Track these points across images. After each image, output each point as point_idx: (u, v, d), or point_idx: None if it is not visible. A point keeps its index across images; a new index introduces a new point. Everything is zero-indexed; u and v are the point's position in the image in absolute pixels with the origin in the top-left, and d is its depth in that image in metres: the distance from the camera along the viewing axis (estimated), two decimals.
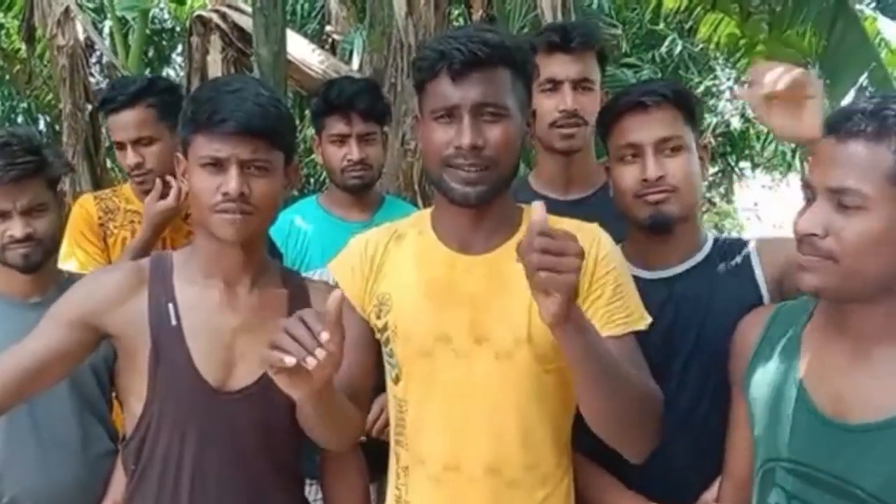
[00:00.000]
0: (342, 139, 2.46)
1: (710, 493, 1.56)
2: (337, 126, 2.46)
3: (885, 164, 1.17)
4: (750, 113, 8.75)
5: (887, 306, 1.23)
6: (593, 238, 1.49)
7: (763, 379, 1.38)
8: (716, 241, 1.79)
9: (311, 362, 1.24)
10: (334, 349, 1.27)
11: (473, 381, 1.45)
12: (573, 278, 1.18)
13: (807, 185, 1.25)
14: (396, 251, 1.56)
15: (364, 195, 2.53)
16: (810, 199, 1.25)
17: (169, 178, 2.43)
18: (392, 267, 1.55)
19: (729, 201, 12.28)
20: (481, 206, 1.47)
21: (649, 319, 1.51)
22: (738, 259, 1.72)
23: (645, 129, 1.67)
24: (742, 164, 10.31)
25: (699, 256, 1.75)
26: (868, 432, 1.17)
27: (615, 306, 1.46)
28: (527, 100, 1.52)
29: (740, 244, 1.75)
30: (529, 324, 1.42)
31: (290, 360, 1.24)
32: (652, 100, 1.67)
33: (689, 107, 1.72)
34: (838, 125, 1.22)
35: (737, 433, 1.49)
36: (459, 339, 1.45)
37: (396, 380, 1.53)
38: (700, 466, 1.59)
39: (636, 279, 1.70)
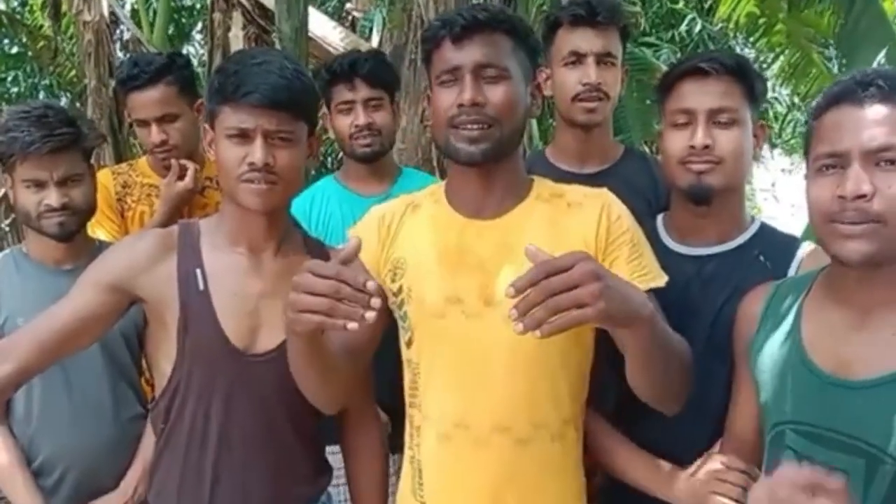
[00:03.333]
0: (349, 106, 2.45)
1: (715, 449, 1.57)
2: (342, 94, 2.45)
3: None
4: (769, 93, 8.69)
5: (888, 273, 1.26)
6: (603, 202, 1.53)
7: (768, 349, 1.40)
8: (763, 228, 1.76)
9: (369, 316, 1.22)
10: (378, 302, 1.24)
11: (483, 341, 1.48)
12: (601, 304, 1.14)
13: (831, 155, 1.26)
14: (412, 220, 1.60)
15: (378, 166, 2.52)
16: (826, 168, 1.27)
17: (184, 161, 2.48)
18: (407, 234, 1.59)
19: (748, 182, 12.22)
20: (489, 167, 1.50)
21: (666, 277, 1.53)
22: (782, 256, 1.68)
23: (700, 96, 1.65)
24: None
25: (739, 240, 1.72)
26: (870, 388, 1.21)
27: (634, 265, 1.49)
28: (531, 71, 1.55)
29: (792, 243, 1.70)
30: None
31: (352, 326, 1.22)
32: (712, 67, 1.65)
33: (750, 81, 1.68)
34: (853, 93, 1.25)
35: (739, 398, 1.51)
36: (470, 301, 1.49)
37: (409, 343, 1.57)
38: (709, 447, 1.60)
39: (669, 252, 1.72)
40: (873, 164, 1.22)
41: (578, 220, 1.52)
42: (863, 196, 1.21)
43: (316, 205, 2.53)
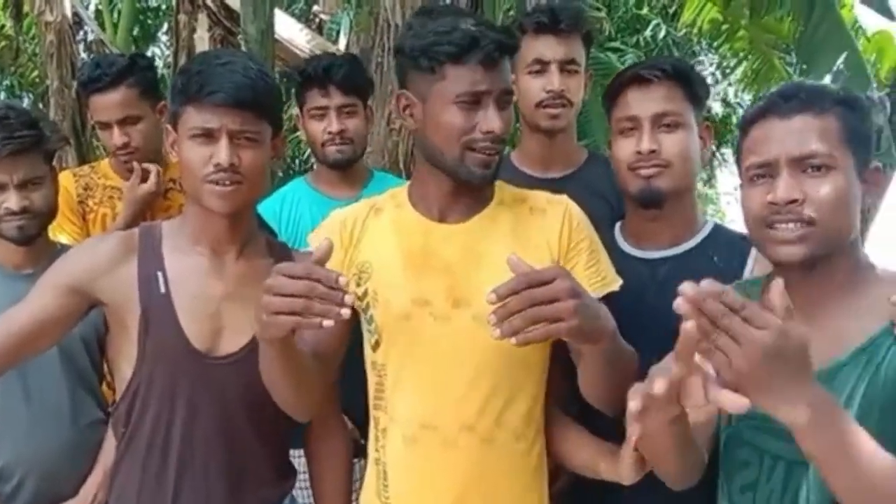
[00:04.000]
0: (322, 112, 2.45)
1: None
2: (316, 99, 2.45)
3: (836, 128, 1.30)
4: (732, 98, 8.82)
5: (835, 269, 1.33)
6: (564, 208, 1.58)
7: None
8: (716, 228, 1.80)
9: (345, 312, 1.24)
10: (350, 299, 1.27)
11: (451, 342, 1.50)
12: (576, 320, 1.20)
13: (761, 166, 1.33)
14: (375, 223, 1.61)
15: (350, 170, 2.51)
16: (756, 178, 1.34)
17: (146, 164, 2.46)
18: (371, 238, 1.60)
19: (712, 186, 12.34)
20: None
21: (620, 281, 1.57)
22: (736, 256, 1.72)
23: (644, 102, 1.71)
24: (724, 149, 10.39)
25: (692, 242, 1.77)
26: (818, 378, 1.25)
27: (591, 271, 1.54)
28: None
29: (745, 243, 1.70)
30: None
31: (327, 323, 1.24)
32: (652, 74, 1.70)
33: (691, 85, 1.74)
34: (778, 105, 1.33)
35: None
36: (438, 303, 1.51)
37: (376, 345, 1.57)
38: None
39: (626, 256, 1.76)
40: (800, 171, 1.30)
41: (541, 226, 1.57)
42: (794, 201, 1.28)
43: (286, 207, 2.52)
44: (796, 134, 1.30)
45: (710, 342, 1.05)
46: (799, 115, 1.31)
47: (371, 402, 1.63)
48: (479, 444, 1.51)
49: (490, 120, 1.47)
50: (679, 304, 1.05)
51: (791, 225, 1.29)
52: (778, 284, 1.06)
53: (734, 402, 1.04)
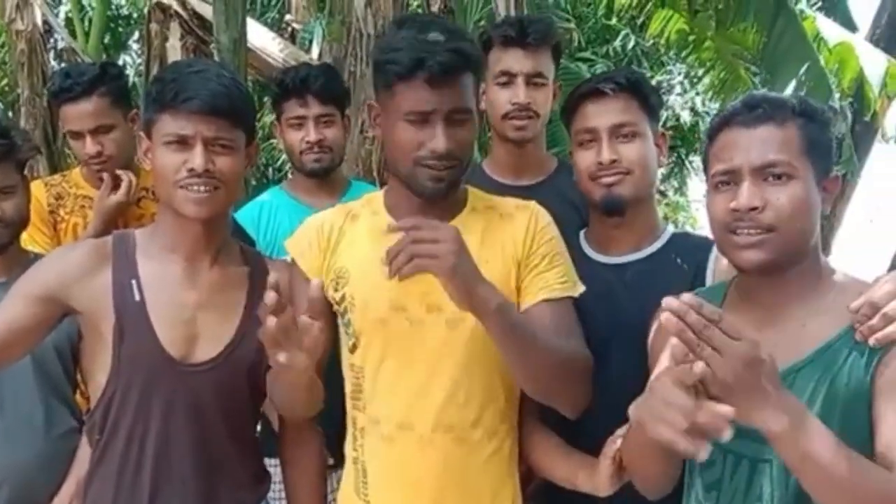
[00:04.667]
0: (300, 122, 2.47)
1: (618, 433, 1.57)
2: (294, 109, 2.47)
3: (797, 139, 1.35)
4: (700, 107, 8.93)
5: (795, 274, 1.37)
6: (531, 213, 1.63)
7: None
8: (675, 234, 1.87)
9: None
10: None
11: (425, 346, 1.54)
12: (451, 260, 1.31)
13: (725, 173, 1.37)
14: (352, 229, 1.64)
15: (328, 179, 2.53)
16: (721, 185, 1.38)
17: (119, 171, 2.45)
18: (348, 244, 1.63)
19: (682, 194, 12.46)
20: None
21: (583, 287, 1.62)
22: (699, 257, 1.78)
23: (601, 115, 1.77)
24: (693, 157, 10.49)
25: (655, 246, 1.83)
26: (782, 380, 1.24)
27: (552, 273, 1.58)
28: (478, 97, 1.60)
29: (706, 244, 1.78)
30: None
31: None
32: (608, 87, 1.77)
33: (644, 95, 1.80)
34: (742, 115, 1.38)
35: None
36: (413, 308, 1.54)
37: (353, 348, 1.61)
38: None
39: (591, 261, 1.82)
40: (762, 179, 1.34)
41: (509, 231, 1.61)
42: (755, 209, 1.33)
43: (264, 215, 2.53)
44: (758, 143, 1.35)
45: (696, 354, 1.10)
46: (761, 125, 1.36)
47: (349, 403, 1.65)
48: (455, 443, 1.55)
49: (436, 140, 1.49)
50: (666, 319, 1.09)
51: (752, 231, 1.34)
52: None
53: (722, 411, 1.08)
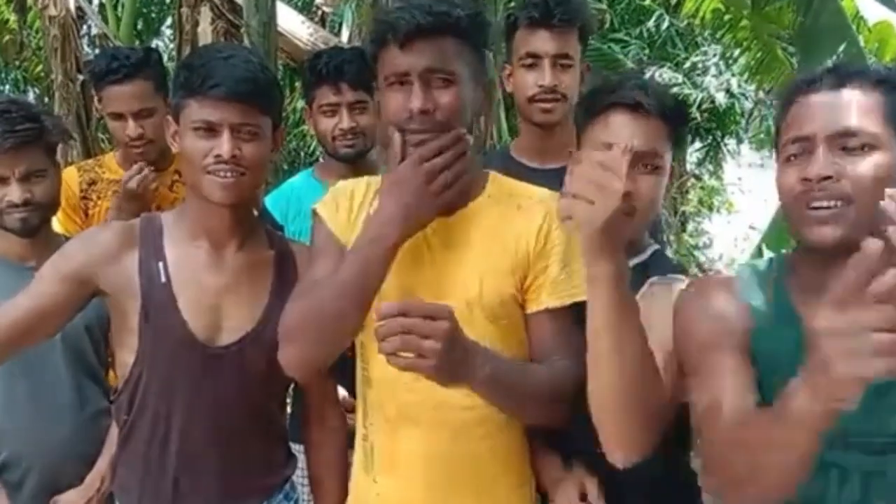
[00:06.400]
0: (333, 109, 2.47)
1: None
2: (327, 96, 2.46)
3: (882, 106, 1.25)
4: (735, 89, 8.77)
5: None
6: (547, 211, 1.54)
7: (773, 339, 1.32)
8: (656, 252, 1.73)
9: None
10: None
11: None
12: (434, 363, 1.23)
13: (796, 140, 1.28)
14: (372, 206, 1.60)
15: (359, 163, 2.52)
16: (794, 156, 1.28)
17: (141, 164, 2.45)
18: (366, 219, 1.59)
19: (718, 178, 12.28)
20: None
21: None
22: (665, 288, 1.61)
23: (629, 134, 1.57)
24: (728, 140, 10.31)
25: (636, 260, 1.67)
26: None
27: (561, 279, 1.52)
28: (481, 67, 1.54)
29: (674, 279, 1.64)
30: (480, 293, 1.50)
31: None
32: (648, 103, 1.59)
33: (670, 120, 1.62)
34: (818, 81, 1.29)
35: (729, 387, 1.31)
36: (420, 295, 1.49)
37: (363, 326, 1.57)
38: None
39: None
40: (838, 149, 1.24)
41: (523, 225, 1.54)
42: (828, 178, 1.22)
43: (294, 200, 2.53)
44: (836, 110, 1.25)
45: None
46: (842, 89, 1.27)
47: (359, 378, 1.64)
48: (456, 429, 1.53)
49: (412, 99, 1.45)
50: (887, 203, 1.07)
51: (825, 202, 1.23)
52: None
53: None
